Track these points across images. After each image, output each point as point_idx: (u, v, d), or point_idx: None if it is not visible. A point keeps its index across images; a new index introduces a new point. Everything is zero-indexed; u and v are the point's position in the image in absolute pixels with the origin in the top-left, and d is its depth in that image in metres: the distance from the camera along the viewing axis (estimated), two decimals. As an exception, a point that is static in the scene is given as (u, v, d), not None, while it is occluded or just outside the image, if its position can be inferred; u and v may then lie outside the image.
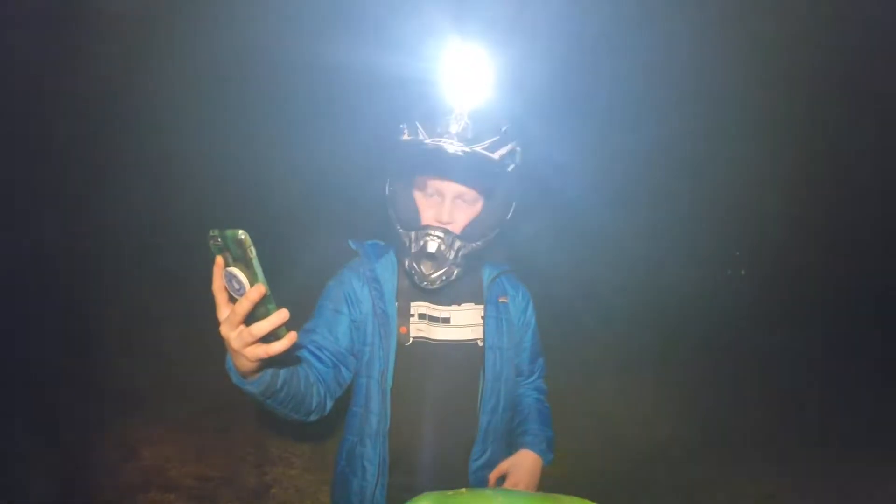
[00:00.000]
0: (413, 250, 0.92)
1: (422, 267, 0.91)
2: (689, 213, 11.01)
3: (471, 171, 0.91)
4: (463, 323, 0.99)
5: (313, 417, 0.87)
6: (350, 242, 1.03)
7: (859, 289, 9.35)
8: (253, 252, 0.56)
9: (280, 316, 0.60)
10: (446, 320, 0.99)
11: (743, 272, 11.69)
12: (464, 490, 0.70)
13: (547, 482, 1.02)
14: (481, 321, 1.00)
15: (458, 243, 0.91)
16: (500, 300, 1.04)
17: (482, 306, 1.01)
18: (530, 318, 1.10)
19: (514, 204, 0.98)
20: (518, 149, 0.95)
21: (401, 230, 0.94)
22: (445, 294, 0.99)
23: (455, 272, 0.93)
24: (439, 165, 0.91)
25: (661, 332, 6.30)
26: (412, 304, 0.98)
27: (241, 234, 0.56)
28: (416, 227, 0.92)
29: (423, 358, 0.96)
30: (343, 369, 0.94)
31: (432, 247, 0.90)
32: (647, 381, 4.25)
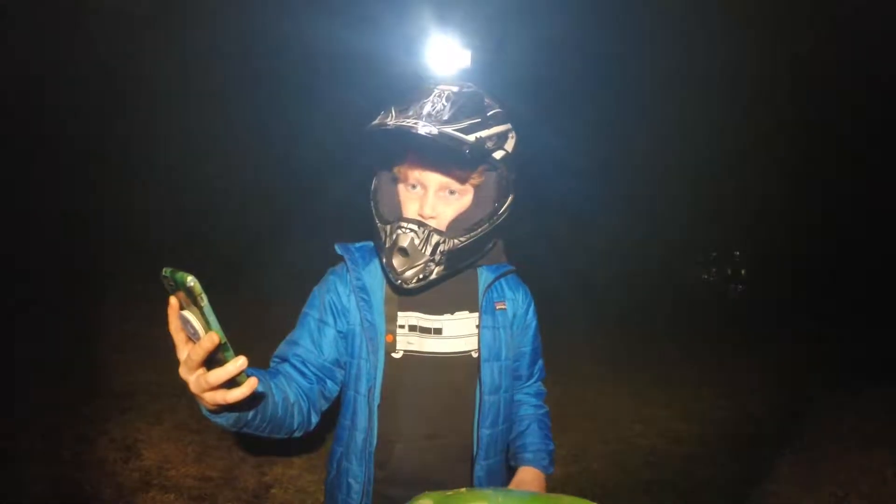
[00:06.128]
0: (387, 245, 0.85)
1: (393, 262, 0.84)
2: (687, 210, 11.03)
3: (444, 154, 0.82)
4: (456, 334, 0.92)
5: (297, 434, 0.83)
6: (336, 247, 0.96)
7: (851, 281, 9.36)
8: (204, 300, 0.52)
9: (236, 365, 0.56)
10: (438, 331, 0.92)
11: (743, 272, 11.70)
12: (463, 490, 0.70)
13: (547, 481, 1.02)
14: (476, 331, 0.93)
15: (435, 238, 0.83)
16: (498, 307, 0.96)
17: (477, 314, 0.94)
18: (531, 321, 1.02)
19: (510, 197, 0.89)
20: (511, 135, 0.87)
21: (378, 224, 0.87)
22: (437, 302, 0.92)
23: (435, 271, 0.84)
24: (409, 150, 0.86)
25: (659, 329, 6.30)
26: (402, 314, 0.91)
27: (191, 280, 0.51)
28: (391, 220, 0.86)
29: (413, 373, 0.90)
30: (329, 382, 0.90)
31: (404, 240, 0.83)
32: (645, 379, 4.25)
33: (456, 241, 0.85)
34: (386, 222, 0.86)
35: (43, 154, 6.68)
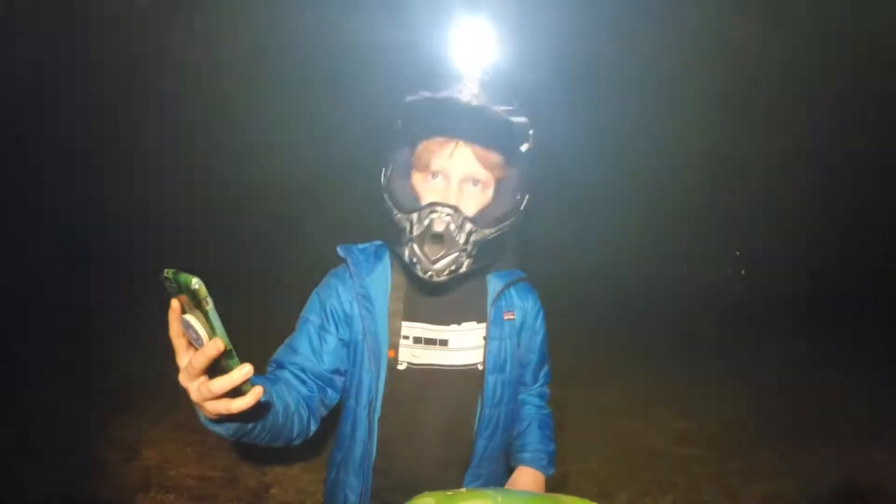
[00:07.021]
0: (415, 233, 0.77)
1: (425, 250, 0.76)
2: (687, 210, 11.02)
3: (478, 136, 0.79)
4: (462, 346, 0.88)
5: (296, 442, 0.80)
6: (338, 249, 0.90)
7: (852, 283, 9.36)
8: (209, 304, 0.49)
9: (242, 374, 0.53)
10: (444, 342, 0.88)
11: (743, 272, 11.71)
12: (464, 490, 0.70)
13: (546, 481, 1.02)
14: (483, 342, 0.89)
15: (468, 226, 0.78)
16: (506, 317, 0.92)
17: (485, 325, 0.89)
18: (539, 329, 0.98)
19: (527, 195, 0.85)
20: (531, 131, 0.83)
21: (398, 215, 0.80)
22: (444, 312, 0.89)
23: (465, 264, 0.79)
24: (435, 134, 0.81)
25: (659, 329, 6.30)
26: (407, 324, 0.87)
27: (195, 283, 0.48)
28: (420, 207, 0.79)
29: (416, 385, 0.87)
30: (329, 391, 0.86)
31: (439, 225, 0.76)
32: (645, 379, 4.25)
33: (486, 231, 0.80)
34: (410, 210, 0.79)
35: (41, 154, 6.68)
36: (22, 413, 2.54)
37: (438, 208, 0.77)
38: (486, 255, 0.82)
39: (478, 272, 0.87)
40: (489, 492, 0.69)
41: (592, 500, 0.66)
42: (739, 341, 6.11)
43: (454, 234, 0.77)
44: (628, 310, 7.51)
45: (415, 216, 0.78)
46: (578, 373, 4.11)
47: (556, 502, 0.67)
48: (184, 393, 0.57)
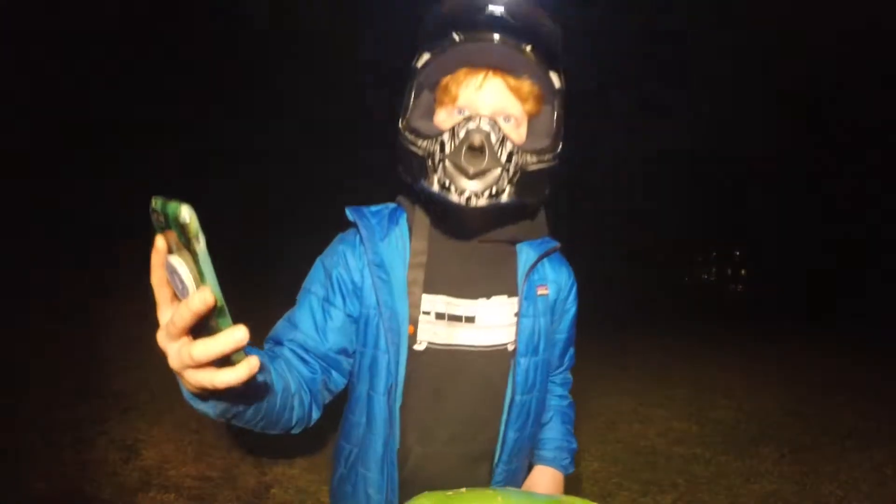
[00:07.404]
0: (448, 151, 0.67)
1: (463, 164, 0.66)
2: (687, 210, 11.03)
3: (517, 56, 0.71)
4: (491, 323, 0.78)
5: (295, 431, 0.70)
6: (347, 211, 0.79)
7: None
8: (200, 242, 0.38)
9: (233, 338, 0.41)
10: (470, 319, 0.77)
11: (743, 272, 11.71)
12: (464, 490, 0.70)
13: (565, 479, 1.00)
14: (514, 319, 0.78)
15: (510, 144, 0.68)
16: (539, 292, 0.81)
17: (516, 299, 0.79)
18: (571, 305, 0.89)
19: (560, 143, 0.75)
20: (561, 78, 0.75)
21: (423, 144, 0.70)
22: (471, 283, 0.78)
23: (506, 191, 0.68)
24: (478, 51, 0.71)
25: (659, 329, 6.30)
26: (427, 297, 0.76)
27: (186, 213, 0.37)
28: (446, 129, 0.69)
29: (437, 369, 0.76)
30: (334, 373, 0.77)
31: (478, 138, 0.66)
32: (645, 379, 4.25)
33: (528, 157, 0.70)
34: (438, 133, 0.69)
35: (37, 152, 6.67)
36: (22, 413, 2.54)
37: (475, 117, 0.67)
38: (526, 191, 0.72)
39: (508, 223, 0.80)
40: (489, 491, 0.69)
41: (592, 500, 0.66)
42: (738, 341, 6.12)
43: (495, 147, 0.67)
44: (628, 309, 7.51)
45: (446, 135, 0.68)
46: (578, 373, 4.10)
47: (556, 502, 0.67)
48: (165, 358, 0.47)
